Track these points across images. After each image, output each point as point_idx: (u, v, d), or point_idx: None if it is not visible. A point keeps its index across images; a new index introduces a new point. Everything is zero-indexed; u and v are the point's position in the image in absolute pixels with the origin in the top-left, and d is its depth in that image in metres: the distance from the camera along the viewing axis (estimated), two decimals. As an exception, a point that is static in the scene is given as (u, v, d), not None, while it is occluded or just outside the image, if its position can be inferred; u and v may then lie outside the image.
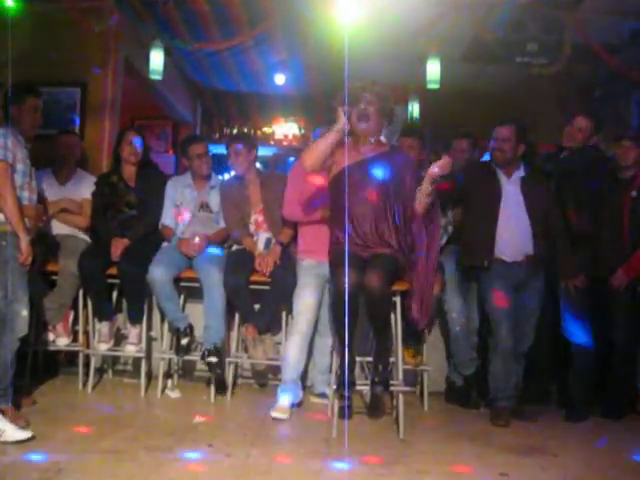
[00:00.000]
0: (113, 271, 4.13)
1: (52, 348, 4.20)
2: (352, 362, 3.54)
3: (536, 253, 3.90)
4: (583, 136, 4.24)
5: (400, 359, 3.65)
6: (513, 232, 3.91)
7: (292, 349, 3.91)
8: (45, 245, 4.01)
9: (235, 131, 9.39)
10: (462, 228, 4.19)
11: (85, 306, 4.23)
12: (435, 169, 3.36)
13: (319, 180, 3.73)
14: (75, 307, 4.23)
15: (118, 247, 4.13)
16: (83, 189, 4.42)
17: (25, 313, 3.43)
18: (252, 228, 4.32)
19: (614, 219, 4.03)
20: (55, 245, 4.22)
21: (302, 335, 3.91)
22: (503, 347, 3.85)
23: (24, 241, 3.38)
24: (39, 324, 4.07)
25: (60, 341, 4.18)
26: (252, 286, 4.09)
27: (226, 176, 5.91)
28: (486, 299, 3.97)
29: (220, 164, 5.91)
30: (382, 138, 3.72)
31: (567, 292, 4.02)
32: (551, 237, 3.96)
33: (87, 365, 4.21)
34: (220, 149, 8.29)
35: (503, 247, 3.91)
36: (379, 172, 3.54)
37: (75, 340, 4.25)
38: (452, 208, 4.26)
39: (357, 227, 3.51)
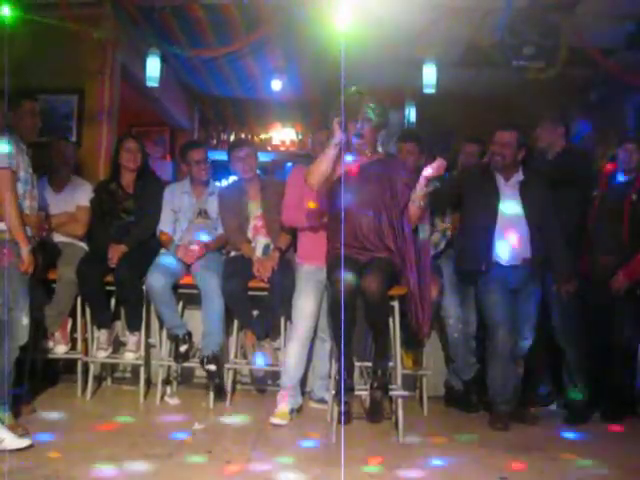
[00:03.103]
0: (111, 278, 4.13)
1: (51, 356, 4.20)
2: (351, 367, 3.55)
3: (533, 256, 3.90)
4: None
5: (399, 364, 3.66)
6: (511, 236, 3.90)
7: (291, 355, 3.91)
8: (45, 253, 4.00)
9: (232, 137, 9.38)
10: (460, 232, 4.19)
11: (83, 313, 4.22)
12: (429, 171, 3.37)
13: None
14: (74, 315, 4.22)
15: (115, 253, 4.14)
16: (79, 196, 4.42)
17: (26, 321, 3.43)
18: (250, 234, 4.32)
19: (614, 222, 4.04)
20: (55, 253, 4.22)
21: (301, 341, 3.91)
22: (501, 351, 3.84)
23: (25, 250, 3.38)
24: (38, 332, 4.06)
25: (59, 349, 4.18)
26: (251, 292, 4.08)
27: (224, 182, 5.90)
28: (483, 303, 3.97)
29: (218, 171, 5.88)
30: (379, 149, 3.74)
31: (559, 295, 4.03)
32: (548, 240, 3.96)
33: (86, 372, 4.20)
34: (218, 155, 8.33)
35: (500, 251, 3.91)
36: (375, 179, 3.56)
37: (74, 348, 4.25)
38: (451, 213, 4.26)
39: (354, 233, 3.52)
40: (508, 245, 3.90)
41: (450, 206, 4.22)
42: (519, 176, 4.02)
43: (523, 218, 3.91)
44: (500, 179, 4.01)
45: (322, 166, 3.48)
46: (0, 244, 3.36)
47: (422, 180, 3.41)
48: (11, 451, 3.07)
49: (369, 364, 3.74)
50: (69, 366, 4.37)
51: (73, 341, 4.26)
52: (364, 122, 3.50)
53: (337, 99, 3.37)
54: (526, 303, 3.95)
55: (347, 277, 3.29)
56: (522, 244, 3.90)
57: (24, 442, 3.16)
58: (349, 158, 3.57)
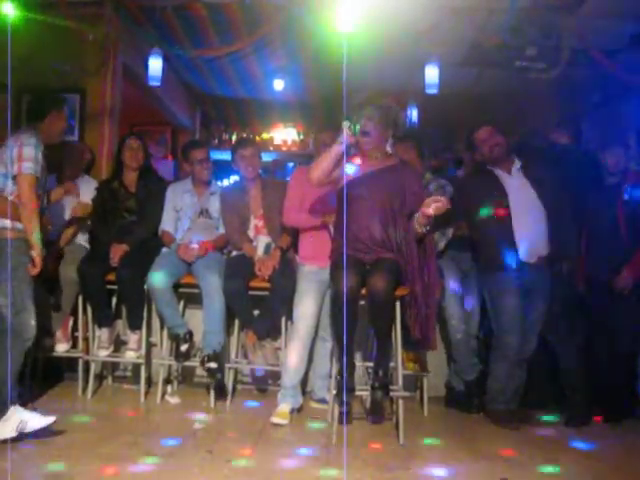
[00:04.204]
0: (112, 277, 4.13)
1: (52, 354, 4.19)
2: (352, 367, 3.54)
3: (548, 253, 3.85)
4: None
5: (400, 364, 3.65)
6: (529, 226, 3.83)
7: (292, 355, 3.90)
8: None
9: (234, 137, 9.38)
10: (478, 239, 4.06)
11: (85, 312, 4.23)
12: (430, 211, 3.26)
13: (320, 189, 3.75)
14: (75, 313, 4.23)
15: (117, 252, 4.14)
16: (82, 193, 4.41)
17: (33, 322, 3.42)
18: (252, 233, 4.32)
19: (609, 223, 4.04)
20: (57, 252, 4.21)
21: (302, 341, 3.90)
22: (509, 354, 3.84)
23: (37, 253, 3.39)
24: (39, 331, 4.05)
25: (60, 347, 4.18)
26: (252, 292, 4.08)
27: (225, 182, 5.91)
28: (496, 304, 3.91)
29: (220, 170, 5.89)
30: (388, 148, 3.71)
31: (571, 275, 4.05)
32: (559, 221, 3.89)
33: (87, 371, 4.21)
34: (219, 155, 8.33)
35: (520, 245, 3.82)
36: (387, 186, 3.54)
37: (75, 346, 4.26)
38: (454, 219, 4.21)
39: (362, 237, 3.51)
40: (527, 238, 3.82)
41: (454, 217, 4.17)
42: (517, 164, 3.98)
43: (537, 202, 3.86)
44: (502, 173, 3.96)
45: (324, 162, 3.49)
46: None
47: (422, 219, 3.36)
48: (12, 450, 3.07)
49: (370, 364, 3.74)
50: (70, 365, 4.38)
51: (74, 340, 4.27)
52: (367, 119, 3.51)
53: (340, 97, 3.37)
54: (535, 305, 3.89)
55: (350, 277, 3.28)
56: (539, 235, 3.84)
57: (49, 419, 3.22)
58: (363, 162, 3.59)
